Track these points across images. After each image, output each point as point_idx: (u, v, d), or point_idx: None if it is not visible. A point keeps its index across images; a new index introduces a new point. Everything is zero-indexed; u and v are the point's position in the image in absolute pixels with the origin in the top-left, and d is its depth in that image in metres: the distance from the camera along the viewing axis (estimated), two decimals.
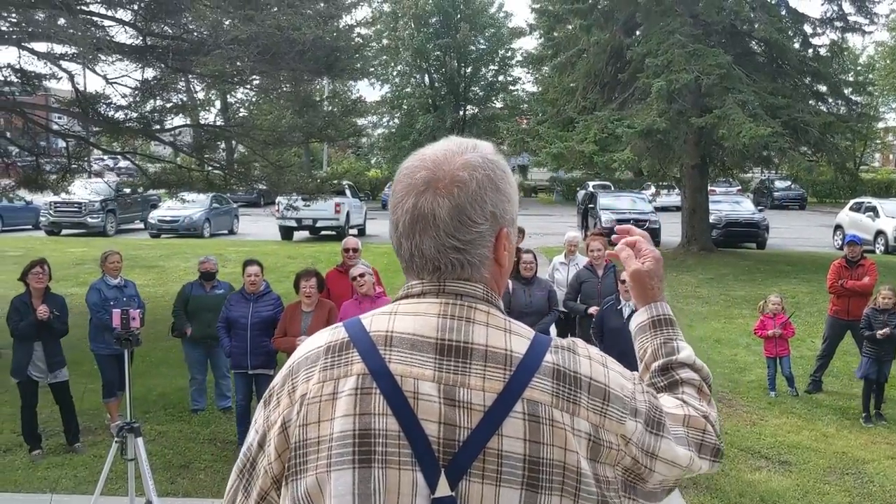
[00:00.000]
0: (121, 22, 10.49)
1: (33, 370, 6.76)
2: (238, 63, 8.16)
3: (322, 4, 9.57)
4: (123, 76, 11.18)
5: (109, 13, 10.88)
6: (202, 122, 13.07)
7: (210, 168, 11.78)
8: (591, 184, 38.30)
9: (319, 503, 1.24)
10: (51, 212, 25.19)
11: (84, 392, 7.16)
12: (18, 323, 6.72)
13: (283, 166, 11.95)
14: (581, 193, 35.40)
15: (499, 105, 49.20)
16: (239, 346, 6.80)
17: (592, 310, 7.37)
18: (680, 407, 1.42)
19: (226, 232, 27.15)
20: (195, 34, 9.67)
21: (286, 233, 24.60)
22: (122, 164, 35.43)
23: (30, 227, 26.52)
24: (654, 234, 24.40)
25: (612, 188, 37.35)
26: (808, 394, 9.02)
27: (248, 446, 1.37)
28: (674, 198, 31.18)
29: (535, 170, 50.43)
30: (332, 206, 23.55)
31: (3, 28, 10.11)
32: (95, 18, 10.70)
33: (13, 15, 10.35)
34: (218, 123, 13.00)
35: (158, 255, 19.63)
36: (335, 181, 15.50)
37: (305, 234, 25.16)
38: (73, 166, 11.99)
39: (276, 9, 8.44)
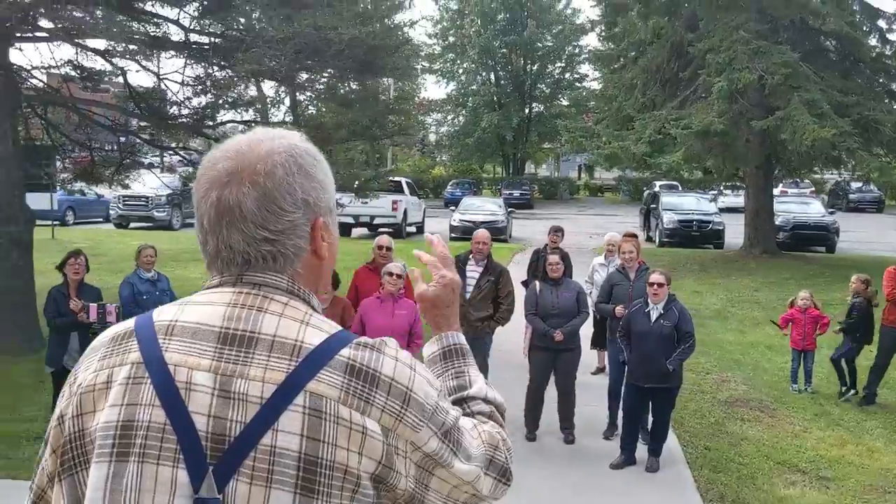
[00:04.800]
0: (174, 22, 10.68)
1: (68, 360, 6.91)
2: (273, 62, 8.18)
3: (362, 6, 9.54)
4: (173, 72, 11.39)
5: (164, 11, 11.10)
6: (254, 118, 13.21)
7: None
8: (657, 183, 37.56)
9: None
10: (119, 205, 25.92)
11: None
12: (55, 313, 6.88)
13: (331, 163, 11.97)
14: (647, 193, 34.81)
15: (565, 103, 48.65)
16: None
17: (619, 310, 7.15)
18: (475, 425, 1.35)
19: None
20: (235, 32, 9.76)
21: (344, 229, 24.78)
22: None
23: (101, 219, 27.36)
24: (718, 236, 23.81)
25: (679, 188, 36.56)
26: (859, 406, 8.61)
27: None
28: (741, 199, 30.36)
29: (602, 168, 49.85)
30: (390, 203, 23.65)
31: (62, 25, 10.36)
32: (147, 16, 10.92)
33: (75, 11, 10.64)
34: (256, 119, 13.04)
35: None
36: (381, 179, 15.49)
37: (364, 230, 25.29)
38: (126, 161, 12.28)
39: (313, 9, 8.45)
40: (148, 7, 11.08)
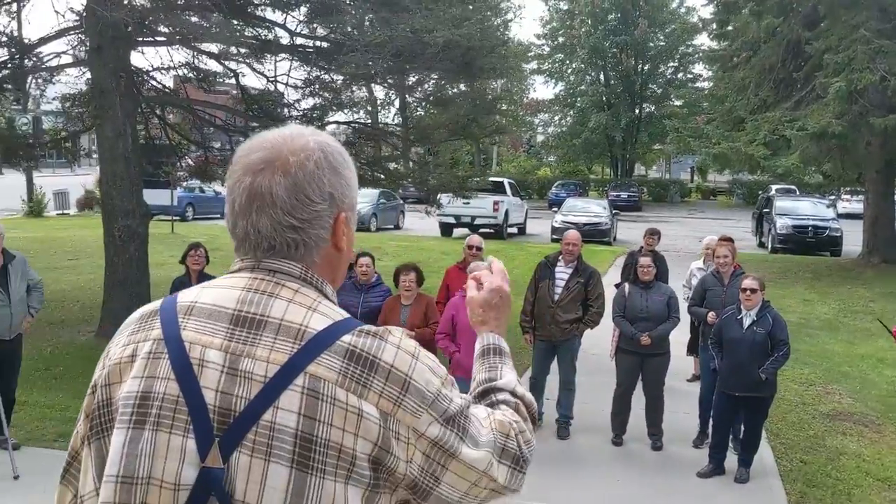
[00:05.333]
0: (281, 26, 11.11)
1: None
2: (369, 64, 8.39)
3: (458, 9, 9.63)
4: (282, 75, 11.84)
5: (273, 16, 11.56)
6: (364, 119, 13.53)
7: (357, 165, 12.21)
8: (773, 187, 36.13)
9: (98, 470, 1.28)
10: None
11: None
12: None
13: (425, 164, 12.20)
14: (761, 197, 33.60)
15: (677, 103, 47.51)
16: None
17: (710, 316, 7.00)
18: (489, 414, 1.38)
19: (392, 227, 28.06)
20: (339, 36, 10.07)
21: (445, 229, 25.08)
22: None
23: (218, 216, 28.58)
24: (835, 243, 22.70)
25: (797, 192, 35.09)
26: None
27: None
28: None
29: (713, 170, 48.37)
30: (491, 203, 23.78)
31: (178, 30, 10.93)
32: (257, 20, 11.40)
33: (192, 17, 11.23)
34: (365, 121, 13.31)
35: None
36: (479, 179, 15.60)
37: (465, 230, 25.47)
38: None
39: (411, 12, 8.61)
40: (258, 12, 11.59)
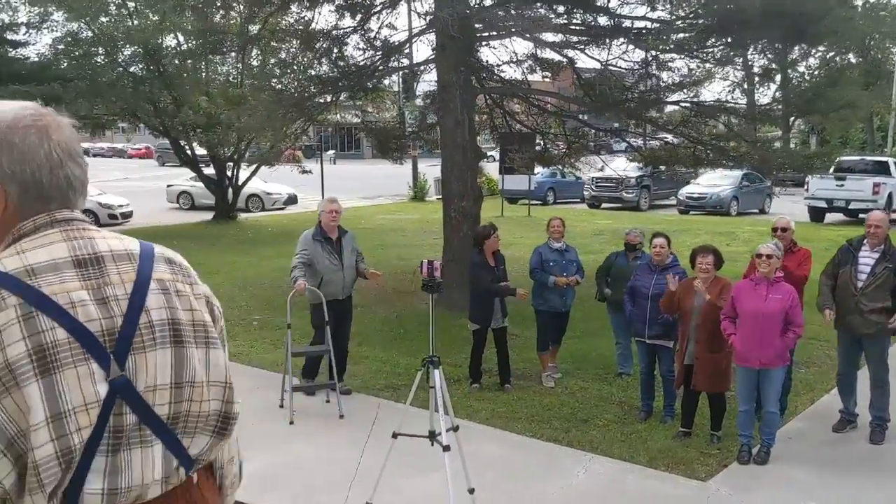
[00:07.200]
0: (604, 10, 11.24)
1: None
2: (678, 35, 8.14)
3: None
4: (615, 59, 11.94)
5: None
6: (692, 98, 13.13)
7: (694, 145, 11.88)
8: None
9: (22, 420, 1.45)
10: (593, 186, 27.61)
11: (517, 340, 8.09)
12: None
13: (766, 142, 11.41)
14: None
15: None
16: (639, 315, 6.99)
17: None
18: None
19: (756, 211, 26.40)
20: (662, 13, 9.91)
21: (816, 214, 22.95)
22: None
23: (577, 199, 29.38)
24: None
25: None
26: None
27: None
28: None
29: None
30: (870, 186, 21.28)
31: (515, 24, 11.59)
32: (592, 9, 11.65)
33: (533, 10, 11.86)
34: (704, 101, 12.76)
35: (672, 230, 20.15)
36: (826, 158, 14.07)
37: (840, 216, 23.12)
38: (574, 145, 13.26)
39: None
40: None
